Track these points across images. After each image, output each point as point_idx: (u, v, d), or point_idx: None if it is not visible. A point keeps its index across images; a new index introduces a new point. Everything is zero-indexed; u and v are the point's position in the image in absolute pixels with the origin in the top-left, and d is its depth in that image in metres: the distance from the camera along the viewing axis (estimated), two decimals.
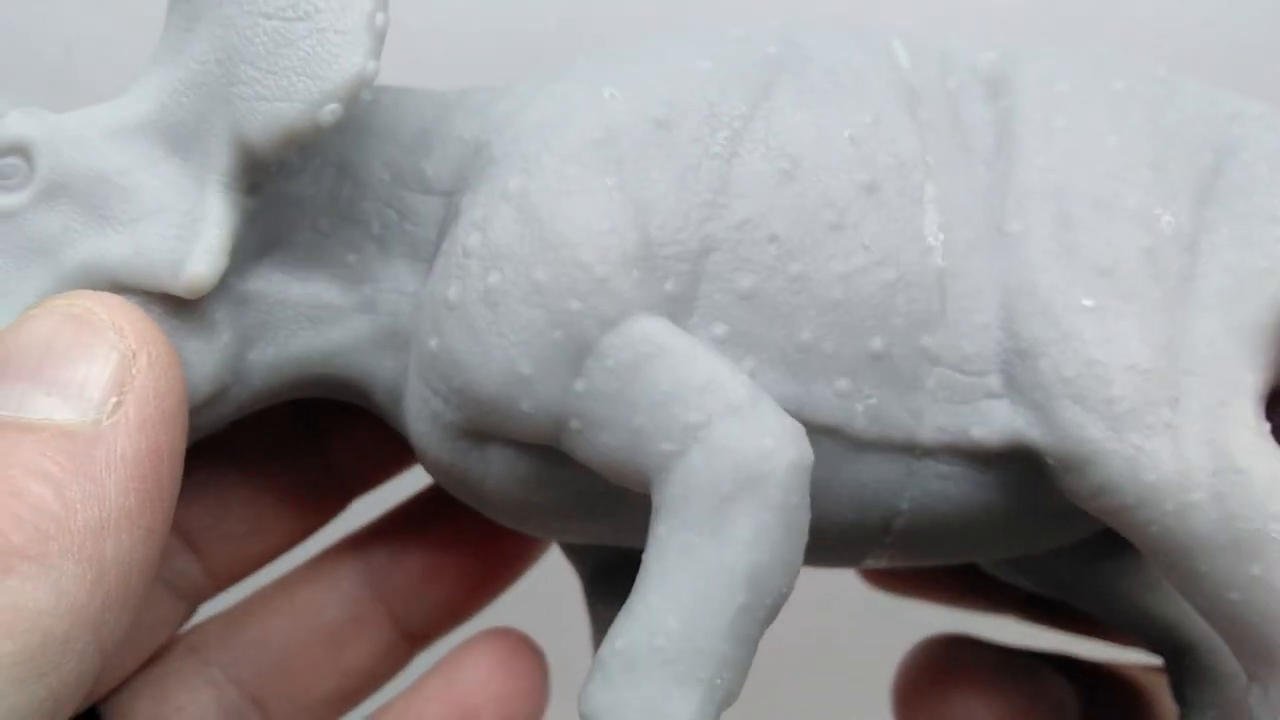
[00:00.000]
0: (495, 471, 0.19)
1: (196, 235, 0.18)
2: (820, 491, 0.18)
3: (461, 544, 0.24)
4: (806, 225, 0.18)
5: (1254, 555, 0.17)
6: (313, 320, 0.20)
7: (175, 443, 0.16)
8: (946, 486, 0.19)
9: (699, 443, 0.17)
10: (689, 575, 0.16)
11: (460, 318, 0.18)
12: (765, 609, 0.17)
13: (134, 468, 0.15)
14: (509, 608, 0.37)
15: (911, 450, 0.19)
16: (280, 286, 0.19)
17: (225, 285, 0.18)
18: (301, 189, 0.20)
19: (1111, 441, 0.18)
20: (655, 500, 0.17)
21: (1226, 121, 0.20)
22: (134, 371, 0.16)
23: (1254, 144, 0.20)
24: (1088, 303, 0.18)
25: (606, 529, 0.21)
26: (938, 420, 0.19)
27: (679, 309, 0.18)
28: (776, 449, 0.17)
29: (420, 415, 0.20)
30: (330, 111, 0.17)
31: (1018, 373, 0.18)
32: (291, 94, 0.17)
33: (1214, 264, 0.19)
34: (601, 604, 0.24)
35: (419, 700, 0.23)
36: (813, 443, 0.17)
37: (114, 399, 0.15)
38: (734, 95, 0.19)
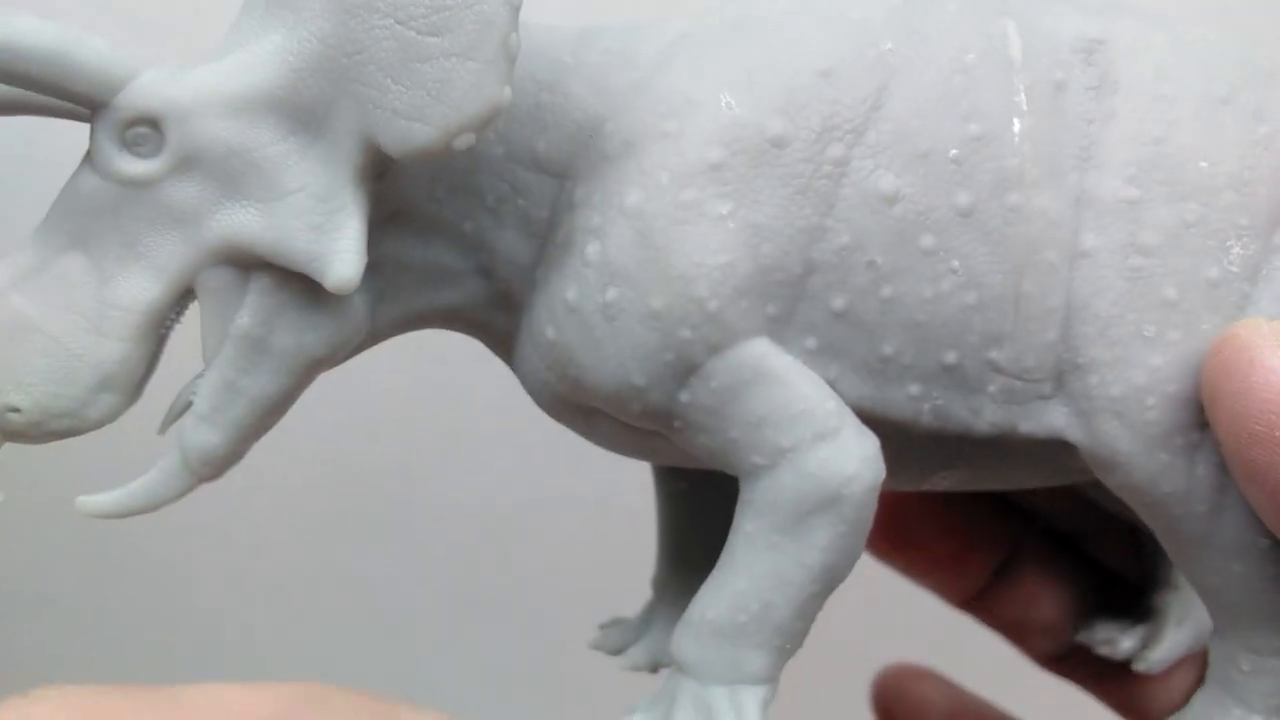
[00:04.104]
0: (600, 435, 0.22)
1: (336, 227, 0.18)
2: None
3: None
4: (902, 249, 0.19)
5: (1238, 557, 0.20)
6: (433, 282, 0.21)
7: None
8: (990, 457, 0.21)
9: (789, 463, 0.19)
10: (771, 568, 0.20)
11: (579, 322, 0.20)
12: (829, 592, 0.20)
13: None
14: (508, 614, 0.37)
15: (964, 438, 0.21)
16: (403, 252, 0.21)
17: None
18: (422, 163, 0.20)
19: (1141, 456, 0.20)
20: (743, 493, 0.20)
21: None
22: None
23: None
24: (1148, 332, 0.19)
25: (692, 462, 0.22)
26: (993, 417, 0.20)
27: (777, 326, 0.20)
28: (856, 475, 0.19)
29: (531, 377, 0.21)
30: (465, 140, 0.18)
31: (1069, 381, 0.20)
32: (426, 116, 0.17)
33: (1269, 291, 0.20)
34: (669, 475, 0.27)
35: None
36: (875, 429, 0.20)
37: None
38: (848, 104, 0.20)
